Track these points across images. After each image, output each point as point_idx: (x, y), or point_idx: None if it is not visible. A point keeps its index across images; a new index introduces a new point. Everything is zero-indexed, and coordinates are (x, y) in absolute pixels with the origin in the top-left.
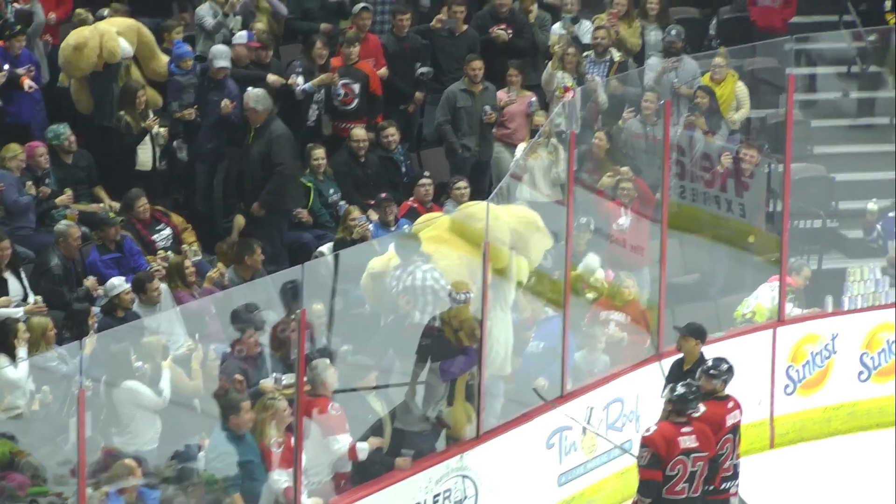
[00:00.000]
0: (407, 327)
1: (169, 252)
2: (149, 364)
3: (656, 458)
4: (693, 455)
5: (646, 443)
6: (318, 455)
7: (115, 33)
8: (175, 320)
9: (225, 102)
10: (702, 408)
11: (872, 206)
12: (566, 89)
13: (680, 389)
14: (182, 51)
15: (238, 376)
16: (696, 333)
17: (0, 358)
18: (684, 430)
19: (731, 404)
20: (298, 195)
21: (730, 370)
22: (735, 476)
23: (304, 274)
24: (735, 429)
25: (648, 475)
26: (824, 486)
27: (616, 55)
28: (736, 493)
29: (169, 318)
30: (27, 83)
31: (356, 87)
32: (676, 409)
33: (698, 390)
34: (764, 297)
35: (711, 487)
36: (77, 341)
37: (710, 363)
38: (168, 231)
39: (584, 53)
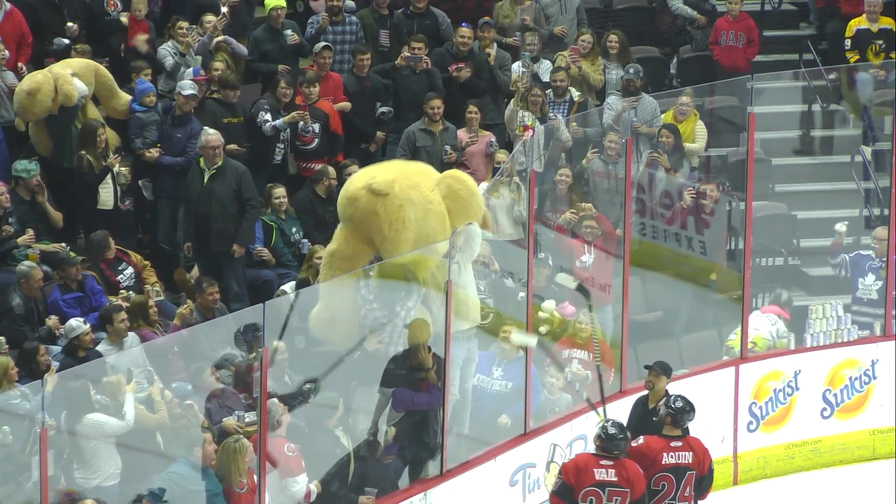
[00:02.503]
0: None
1: (130, 292)
2: (109, 398)
3: (565, 486)
4: (608, 489)
5: (561, 469)
6: (276, 494)
7: (71, 75)
8: (136, 359)
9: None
10: (640, 439)
11: (841, 227)
12: (526, 128)
13: (611, 430)
14: (144, 86)
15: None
16: (667, 371)
17: None
18: (603, 462)
19: (677, 443)
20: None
21: (683, 409)
22: None
23: (266, 312)
24: (677, 469)
25: (554, 500)
26: None
27: (576, 95)
28: None
29: (131, 357)
30: None
31: (316, 127)
32: (603, 447)
33: (626, 435)
34: (762, 328)
35: None
36: (37, 380)
37: (671, 398)
38: (130, 270)
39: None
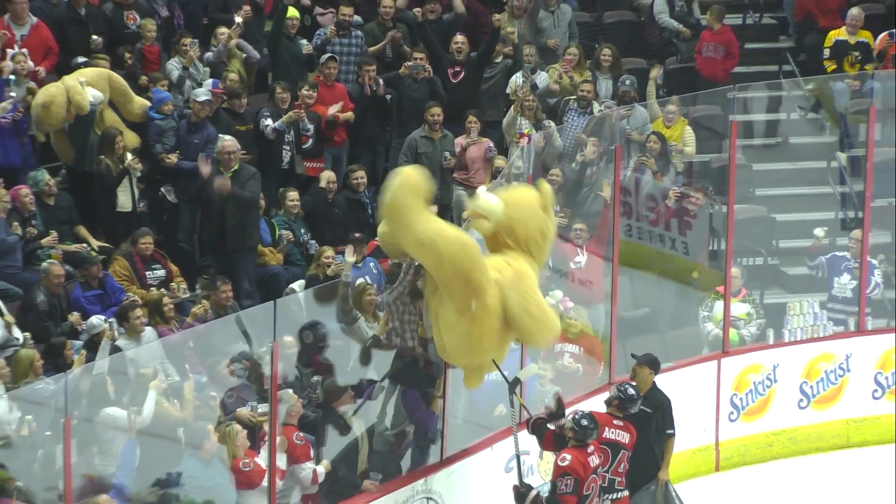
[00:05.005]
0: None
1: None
2: (130, 393)
3: (577, 483)
4: (600, 471)
5: (568, 471)
6: (286, 479)
7: (83, 84)
8: (154, 354)
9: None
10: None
11: (819, 232)
12: (522, 135)
13: (583, 422)
14: (161, 96)
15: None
16: (652, 364)
17: None
18: (589, 450)
19: (618, 423)
20: None
21: (631, 398)
22: (611, 490)
23: (276, 309)
24: (615, 445)
25: (566, 500)
26: None
27: (596, 109)
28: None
29: (148, 351)
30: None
31: (311, 128)
32: (577, 438)
33: (596, 421)
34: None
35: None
36: (61, 372)
37: (623, 386)
38: (162, 272)
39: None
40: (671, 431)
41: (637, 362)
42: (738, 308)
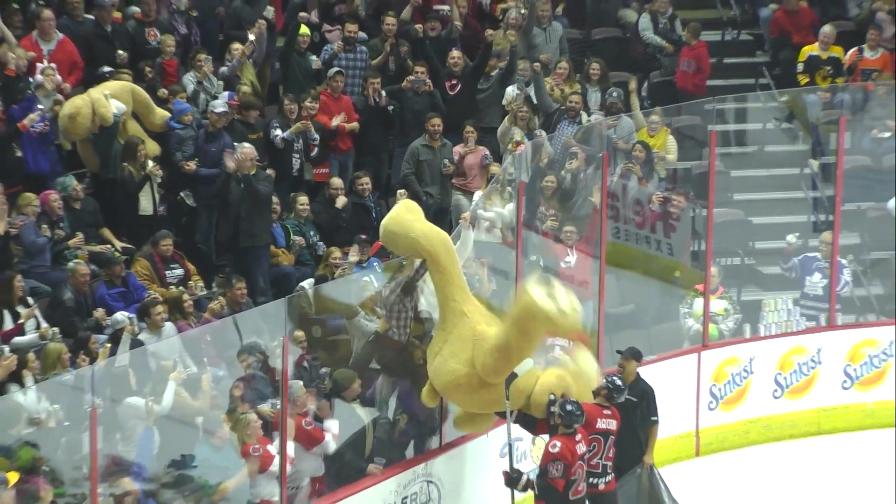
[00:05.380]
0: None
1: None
2: (151, 384)
3: (565, 468)
4: (586, 457)
5: (558, 457)
6: (296, 463)
7: (108, 97)
8: (173, 347)
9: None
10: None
11: (792, 238)
12: (517, 143)
13: (569, 407)
14: (181, 107)
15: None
16: (637, 356)
17: (12, 385)
18: (577, 438)
19: (607, 412)
20: None
21: (619, 388)
22: (604, 474)
23: (287, 305)
24: (605, 433)
25: (556, 483)
26: (744, 489)
27: (585, 119)
28: (605, 490)
29: (169, 345)
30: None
31: (317, 137)
32: (565, 423)
33: (581, 407)
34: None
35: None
36: (88, 365)
37: (610, 378)
38: (181, 271)
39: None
40: (655, 418)
41: (624, 356)
42: (716, 304)
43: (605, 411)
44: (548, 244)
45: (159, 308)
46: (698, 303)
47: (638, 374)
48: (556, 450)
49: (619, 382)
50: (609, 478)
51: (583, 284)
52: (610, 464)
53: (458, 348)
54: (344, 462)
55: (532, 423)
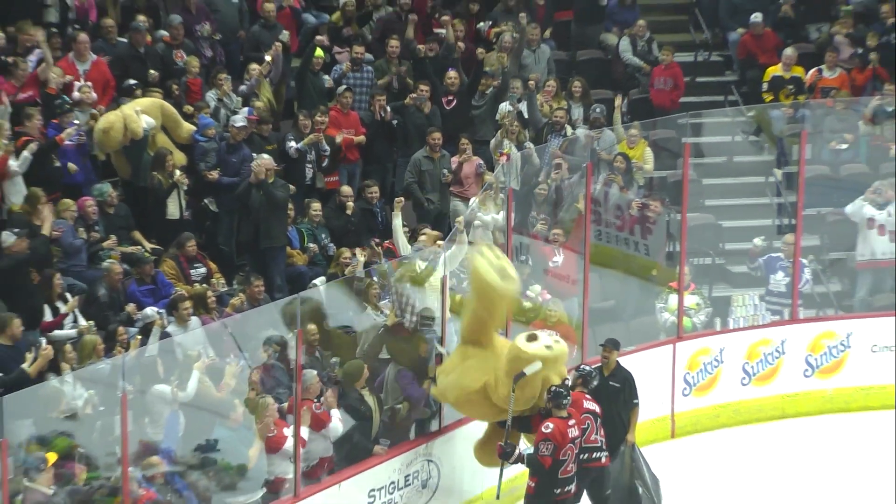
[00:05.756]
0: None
1: (196, 284)
2: (178, 372)
3: (555, 448)
4: (577, 441)
5: (549, 437)
6: (307, 444)
7: (139, 113)
8: (198, 339)
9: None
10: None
11: (758, 241)
12: (503, 154)
13: (552, 388)
14: (206, 122)
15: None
16: (617, 346)
17: (51, 375)
18: (570, 423)
19: (588, 397)
20: None
21: (591, 375)
22: (602, 448)
23: (300, 301)
24: (593, 413)
25: (545, 461)
26: (715, 468)
27: (569, 132)
28: (606, 463)
29: (193, 337)
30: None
31: (328, 149)
32: (554, 403)
33: (568, 389)
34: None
35: (584, 456)
36: (118, 355)
37: (581, 367)
38: (204, 270)
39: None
40: (636, 401)
41: (606, 347)
42: (688, 300)
43: (588, 396)
44: (537, 245)
45: (187, 304)
46: (673, 298)
47: (618, 362)
48: (549, 430)
49: (588, 369)
50: (604, 454)
51: (569, 281)
52: (603, 441)
53: (476, 370)
54: (353, 443)
55: (527, 424)
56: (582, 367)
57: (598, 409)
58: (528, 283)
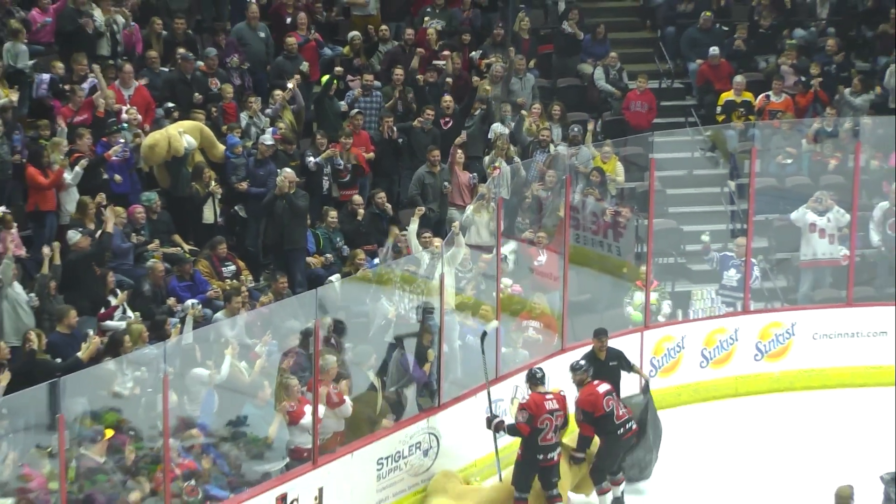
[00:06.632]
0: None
1: (233, 280)
2: (214, 357)
3: (531, 417)
4: (556, 413)
5: (524, 407)
6: (324, 420)
7: (181, 133)
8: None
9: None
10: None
11: (705, 236)
12: (494, 168)
13: (527, 374)
14: (234, 141)
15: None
16: (605, 333)
17: (110, 360)
18: (548, 397)
19: (595, 381)
20: None
21: (587, 365)
22: (631, 419)
23: (317, 295)
24: (610, 392)
25: (522, 428)
26: (676, 439)
27: (552, 148)
28: (637, 430)
29: (230, 324)
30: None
31: (342, 163)
32: (530, 385)
33: (543, 372)
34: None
35: (621, 430)
36: (163, 341)
37: (573, 363)
38: (233, 268)
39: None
40: (633, 364)
41: (597, 336)
42: (650, 296)
43: (595, 382)
44: (524, 247)
45: (239, 298)
46: (637, 295)
47: (608, 347)
48: (525, 401)
49: (581, 362)
50: (632, 424)
51: (551, 278)
52: (627, 410)
53: None
54: (362, 417)
55: (514, 429)
56: (574, 363)
57: (610, 387)
58: (511, 277)
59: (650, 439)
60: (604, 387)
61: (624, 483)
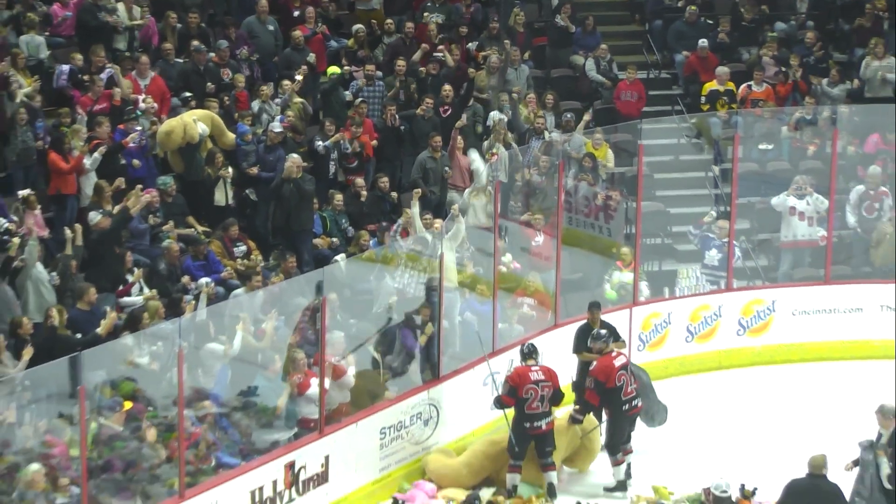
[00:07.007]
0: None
1: (244, 260)
2: (226, 332)
3: (513, 389)
4: (542, 384)
5: (507, 379)
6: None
7: (194, 121)
8: (244, 304)
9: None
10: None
11: (709, 216)
12: (493, 154)
13: (529, 349)
14: (243, 129)
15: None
16: (599, 306)
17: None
18: (533, 368)
19: (615, 353)
20: None
21: (608, 335)
22: (637, 396)
23: (325, 274)
24: (625, 366)
25: (505, 399)
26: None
27: (547, 136)
28: (640, 408)
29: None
30: (130, 143)
31: (349, 147)
32: (522, 358)
33: (532, 349)
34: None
35: (625, 407)
36: (177, 317)
37: (595, 332)
38: (244, 248)
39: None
40: (622, 340)
41: (591, 310)
42: (628, 276)
43: (614, 354)
44: (522, 229)
45: (259, 278)
46: (616, 274)
47: (601, 319)
48: (509, 373)
49: (602, 332)
50: (637, 401)
51: (546, 258)
52: (636, 389)
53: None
54: (366, 388)
55: (499, 402)
56: (596, 333)
57: (626, 361)
58: (507, 254)
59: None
60: (620, 360)
61: (632, 454)
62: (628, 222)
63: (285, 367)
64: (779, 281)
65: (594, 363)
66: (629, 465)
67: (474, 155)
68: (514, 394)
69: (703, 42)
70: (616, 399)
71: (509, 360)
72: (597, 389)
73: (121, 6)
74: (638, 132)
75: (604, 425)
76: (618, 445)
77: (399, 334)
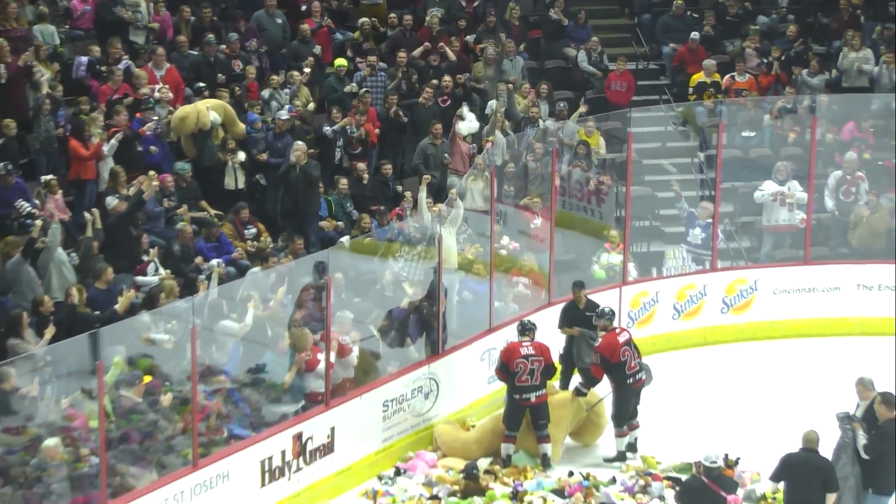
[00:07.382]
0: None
1: (254, 242)
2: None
3: (504, 364)
4: (532, 358)
5: (500, 355)
6: (335, 368)
7: (207, 109)
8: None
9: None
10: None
11: (675, 185)
12: (489, 140)
13: (527, 323)
14: (252, 118)
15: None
16: (583, 285)
17: (145, 313)
18: (524, 343)
19: (618, 330)
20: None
21: (611, 313)
22: (642, 370)
23: (329, 255)
24: (629, 342)
25: (497, 374)
26: (651, 384)
27: (541, 123)
28: (644, 381)
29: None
30: (147, 131)
31: (356, 132)
32: (519, 333)
33: (534, 326)
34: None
35: (630, 381)
36: (191, 296)
37: (600, 310)
38: (254, 230)
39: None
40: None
41: (575, 289)
42: (615, 257)
43: (617, 331)
44: (520, 212)
45: (274, 258)
46: (604, 256)
47: (587, 298)
48: (502, 348)
49: (606, 309)
50: (640, 374)
51: (543, 241)
52: (638, 361)
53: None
54: (369, 365)
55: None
56: (599, 310)
57: (628, 336)
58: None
59: None
60: (624, 336)
61: (638, 429)
62: (618, 206)
63: (292, 343)
64: (761, 261)
65: (599, 340)
66: (636, 439)
67: (465, 109)
68: (504, 369)
69: (694, 34)
70: (621, 373)
71: (505, 340)
72: (602, 365)
73: (143, 2)
74: (627, 120)
75: (610, 398)
76: (623, 418)
77: (410, 320)
